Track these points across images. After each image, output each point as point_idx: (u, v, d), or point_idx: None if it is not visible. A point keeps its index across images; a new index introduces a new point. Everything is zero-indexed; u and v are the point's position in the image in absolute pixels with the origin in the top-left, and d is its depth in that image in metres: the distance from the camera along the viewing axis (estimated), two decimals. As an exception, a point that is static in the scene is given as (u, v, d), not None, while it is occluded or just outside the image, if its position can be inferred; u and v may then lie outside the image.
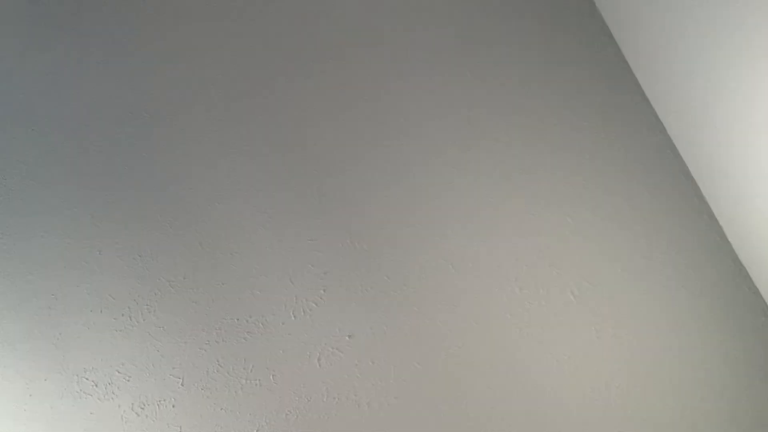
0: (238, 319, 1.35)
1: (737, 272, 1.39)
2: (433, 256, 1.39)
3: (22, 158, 1.42)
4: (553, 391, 1.34)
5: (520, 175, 1.43)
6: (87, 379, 1.31)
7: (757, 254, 1.35)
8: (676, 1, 1.27)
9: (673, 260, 1.39)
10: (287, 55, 1.48)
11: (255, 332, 1.34)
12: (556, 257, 1.39)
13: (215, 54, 1.48)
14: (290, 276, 1.37)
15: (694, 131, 1.39)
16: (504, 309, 1.37)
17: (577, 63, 1.49)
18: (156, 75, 1.47)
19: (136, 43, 1.48)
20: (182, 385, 1.32)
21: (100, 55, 1.48)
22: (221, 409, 1.31)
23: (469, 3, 1.52)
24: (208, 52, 1.48)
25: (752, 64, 1.16)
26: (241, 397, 1.32)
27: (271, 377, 1.33)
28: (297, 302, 1.36)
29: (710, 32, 1.22)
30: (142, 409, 1.30)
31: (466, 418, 1.30)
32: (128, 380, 1.31)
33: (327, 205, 1.41)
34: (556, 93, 1.47)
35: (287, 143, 1.44)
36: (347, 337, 1.35)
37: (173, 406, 1.30)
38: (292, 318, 1.35)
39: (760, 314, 1.37)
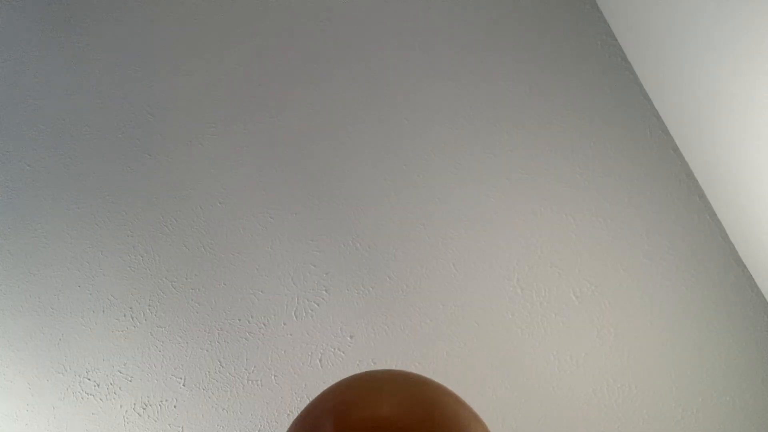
0: (239, 320, 1.35)
1: (739, 273, 1.39)
2: (435, 257, 1.39)
3: (23, 159, 1.42)
4: (553, 391, 1.34)
5: (522, 175, 1.43)
6: (89, 379, 1.32)
7: (759, 254, 1.35)
8: (679, 1, 1.27)
9: (674, 260, 1.39)
10: (288, 54, 1.48)
11: (256, 332, 1.35)
12: (557, 257, 1.39)
13: (216, 54, 1.48)
14: (291, 276, 1.37)
15: (696, 131, 1.38)
16: (505, 309, 1.37)
17: (579, 62, 1.48)
18: (158, 75, 1.47)
19: (139, 44, 1.48)
20: (184, 385, 1.32)
21: (102, 55, 1.48)
22: (223, 409, 1.31)
23: (468, 3, 1.51)
24: (209, 52, 1.48)
25: (755, 63, 1.15)
26: (242, 397, 1.32)
27: (272, 377, 1.33)
28: (298, 302, 1.36)
29: (712, 31, 1.21)
30: (144, 409, 1.30)
31: (467, 419, 1.30)
32: (130, 380, 1.31)
33: (328, 206, 1.41)
34: (556, 93, 1.47)
35: (289, 143, 1.44)
36: (349, 338, 1.35)
37: (175, 407, 1.31)
38: (294, 318, 1.35)
39: (762, 314, 1.37)
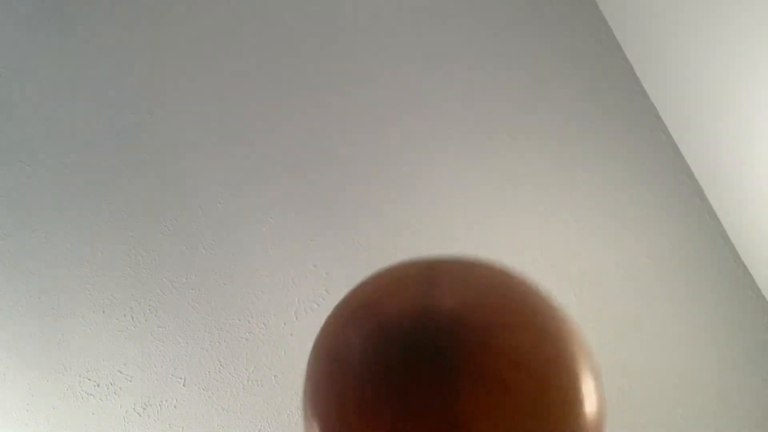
0: (239, 320, 1.35)
1: (739, 272, 1.39)
2: (435, 257, 1.39)
3: (23, 158, 1.42)
4: (554, 392, 1.34)
5: (522, 176, 1.43)
6: (89, 379, 1.31)
7: (758, 254, 1.35)
8: (679, 1, 1.27)
9: (674, 260, 1.39)
10: (290, 58, 1.48)
11: (257, 333, 1.34)
12: (557, 258, 1.39)
13: (216, 52, 1.48)
14: (292, 276, 1.37)
15: (696, 131, 1.38)
16: (505, 309, 1.37)
17: (579, 62, 1.48)
18: (158, 74, 1.47)
19: (138, 42, 1.48)
20: (184, 385, 1.32)
21: (102, 54, 1.47)
22: (223, 409, 1.31)
23: (469, 4, 1.51)
24: (210, 53, 1.48)
25: (755, 63, 1.15)
26: (242, 397, 1.32)
27: (272, 378, 1.33)
28: (299, 303, 1.36)
29: (713, 31, 1.21)
30: (144, 409, 1.30)
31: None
32: (130, 381, 1.31)
33: (329, 205, 1.41)
34: (557, 94, 1.47)
35: (289, 143, 1.44)
36: (349, 338, 1.35)
37: (175, 407, 1.31)
38: (294, 319, 1.35)
39: (762, 314, 1.37)
